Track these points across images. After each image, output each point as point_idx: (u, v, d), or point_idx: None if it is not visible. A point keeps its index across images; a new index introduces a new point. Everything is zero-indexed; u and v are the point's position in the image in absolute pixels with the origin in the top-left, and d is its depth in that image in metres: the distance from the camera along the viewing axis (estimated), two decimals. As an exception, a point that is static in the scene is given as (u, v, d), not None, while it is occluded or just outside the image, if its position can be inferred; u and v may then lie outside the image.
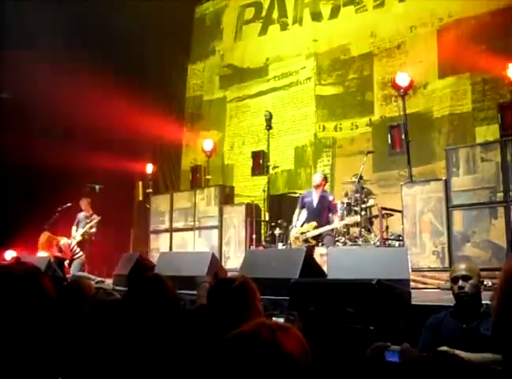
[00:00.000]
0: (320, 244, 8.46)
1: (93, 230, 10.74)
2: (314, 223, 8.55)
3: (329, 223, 8.68)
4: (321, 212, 8.79)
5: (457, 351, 3.46)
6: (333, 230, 8.76)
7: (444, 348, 3.53)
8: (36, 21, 11.51)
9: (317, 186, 8.92)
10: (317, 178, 9.08)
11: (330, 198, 8.99)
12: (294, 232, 8.79)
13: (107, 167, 12.01)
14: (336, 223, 8.63)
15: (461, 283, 3.72)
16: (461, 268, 3.82)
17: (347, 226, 9.07)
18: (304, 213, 8.89)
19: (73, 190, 11.39)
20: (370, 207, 9.37)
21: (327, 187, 9.85)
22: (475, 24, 10.35)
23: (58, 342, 1.86)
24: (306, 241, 8.53)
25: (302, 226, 8.74)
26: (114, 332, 2.55)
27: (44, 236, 9.94)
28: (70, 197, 11.18)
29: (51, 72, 11.18)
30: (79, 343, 2.69)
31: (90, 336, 2.48)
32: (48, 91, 11.23)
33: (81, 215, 11.09)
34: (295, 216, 9.03)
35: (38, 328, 1.73)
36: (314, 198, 8.87)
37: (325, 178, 9.48)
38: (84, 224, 10.91)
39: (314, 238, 8.54)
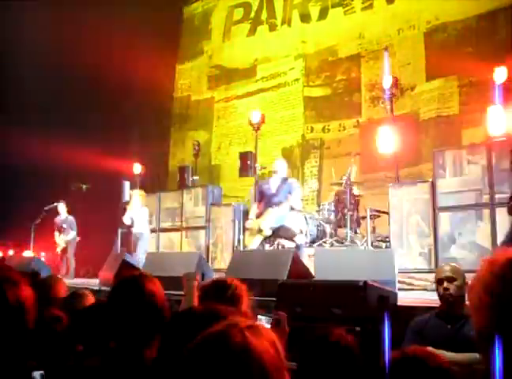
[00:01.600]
0: (276, 237, 7.71)
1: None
2: (270, 209, 7.44)
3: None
4: (282, 199, 7.54)
5: (443, 352, 3.50)
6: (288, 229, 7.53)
7: (429, 349, 3.56)
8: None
9: (274, 172, 7.84)
10: (278, 163, 7.99)
11: (290, 180, 7.89)
12: (248, 224, 7.70)
13: (94, 167, 11.96)
14: (292, 216, 7.43)
15: (445, 284, 3.76)
16: (446, 269, 3.87)
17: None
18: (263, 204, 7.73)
19: (60, 189, 11.34)
20: (359, 196, 9.26)
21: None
22: (461, 27, 10.44)
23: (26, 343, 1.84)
24: (259, 231, 7.42)
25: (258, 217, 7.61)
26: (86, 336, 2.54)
27: None
28: (57, 196, 11.13)
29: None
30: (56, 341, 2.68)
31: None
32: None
33: (58, 219, 11.09)
34: (252, 209, 7.95)
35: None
36: (273, 184, 7.72)
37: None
38: (61, 227, 10.96)
39: (270, 236, 7.60)
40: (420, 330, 3.80)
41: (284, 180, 7.78)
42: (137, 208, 9.72)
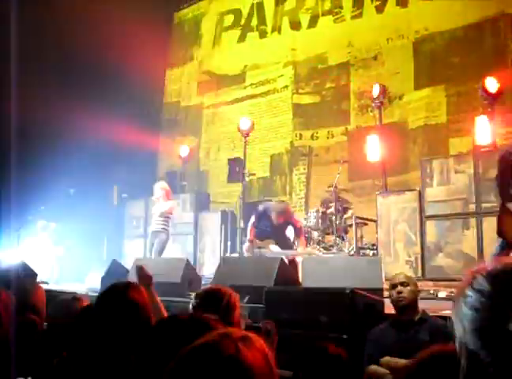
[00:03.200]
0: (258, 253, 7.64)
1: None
2: (273, 241, 7.62)
3: (288, 244, 7.79)
4: (282, 234, 7.78)
5: (397, 359, 3.55)
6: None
7: (387, 358, 3.61)
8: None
9: (277, 217, 7.69)
10: (280, 208, 7.90)
11: (294, 219, 8.01)
12: (246, 246, 7.90)
13: (82, 171, 11.90)
14: (301, 248, 7.66)
15: (399, 288, 3.92)
16: (400, 276, 4.09)
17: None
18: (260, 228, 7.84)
19: (46, 193, 11.26)
20: (348, 218, 9.32)
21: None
22: (449, 37, 10.54)
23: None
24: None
25: (259, 239, 7.79)
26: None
27: None
28: (43, 200, 11.08)
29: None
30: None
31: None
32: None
33: (46, 227, 11.06)
34: (248, 230, 8.00)
35: None
36: (275, 220, 7.72)
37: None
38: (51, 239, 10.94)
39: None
40: (376, 340, 3.91)
41: (287, 222, 7.81)
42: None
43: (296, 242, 7.92)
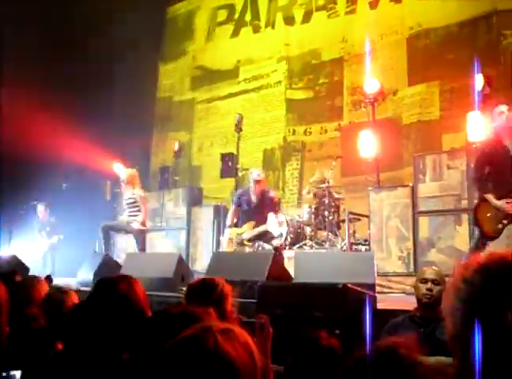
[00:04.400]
0: (257, 248, 7.75)
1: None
2: (252, 223, 7.70)
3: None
4: (262, 212, 7.77)
5: None
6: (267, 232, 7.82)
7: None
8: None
9: (257, 182, 7.83)
10: (257, 174, 8.02)
11: (272, 194, 8.05)
12: (228, 233, 7.92)
13: (75, 165, 11.86)
14: (275, 222, 7.62)
15: (429, 285, 3.85)
16: (433, 272, 3.98)
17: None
18: (241, 212, 7.97)
19: (38, 188, 11.21)
20: (340, 199, 9.29)
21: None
22: (443, 34, 10.55)
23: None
24: (241, 244, 7.71)
25: (236, 226, 7.89)
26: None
27: None
28: (36, 195, 11.04)
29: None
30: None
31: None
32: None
33: (39, 221, 11.03)
34: (229, 216, 8.16)
35: None
36: (253, 196, 7.88)
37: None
38: (43, 230, 10.88)
39: (250, 240, 7.73)
40: (394, 332, 3.84)
41: (266, 193, 7.92)
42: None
43: (269, 215, 7.71)
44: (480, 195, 5.75)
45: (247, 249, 7.73)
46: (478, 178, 5.73)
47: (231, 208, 8.21)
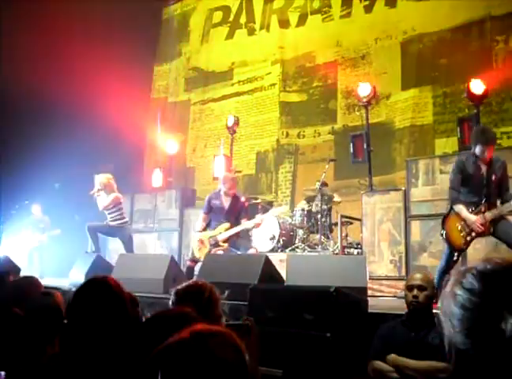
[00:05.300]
0: (233, 247, 7.77)
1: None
2: (227, 224, 7.69)
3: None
4: (234, 215, 7.83)
5: (406, 359, 3.57)
6: (248, 231, 8.15)
7: (394, 356, 3.62)
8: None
9: (230, 187, 7.88)
10: (229, 179, 8.05)
11: (242, 199, 8.09)
12: (198, 236, 7.90)
13: (67, 165, 11.82)
14: (251, 222, 7.72)
15: (415, 292, 3.81)
16: (418, 277, 3.92)
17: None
18: (211, 217, 7.96)
19: (31, 188, 11.19)
20: (336, 202, 9.29)
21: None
22: (437, 38, 10.59)
23: None
24: (215, 245, 7.67)
25: (207, 228, 7.88)
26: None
27: None
28: (28, 195, 11.01)
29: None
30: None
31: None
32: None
33: (32, 219, 11.00)
34: (199, 221, 8.12)
35: None
36: (225, 200, 7.88)
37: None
38: (37, 228, 10.86)
39: (225, 241, 7.69)
40: (386, 337, 3.85)
41: (237, 197, 7.93)
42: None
43: (243, 221, 7.77)
44: (451, 205, 5.57)
45: (220, 252, 7.68)
46: (453, 187, 5.58)
47: (201, 214, 8.13)
